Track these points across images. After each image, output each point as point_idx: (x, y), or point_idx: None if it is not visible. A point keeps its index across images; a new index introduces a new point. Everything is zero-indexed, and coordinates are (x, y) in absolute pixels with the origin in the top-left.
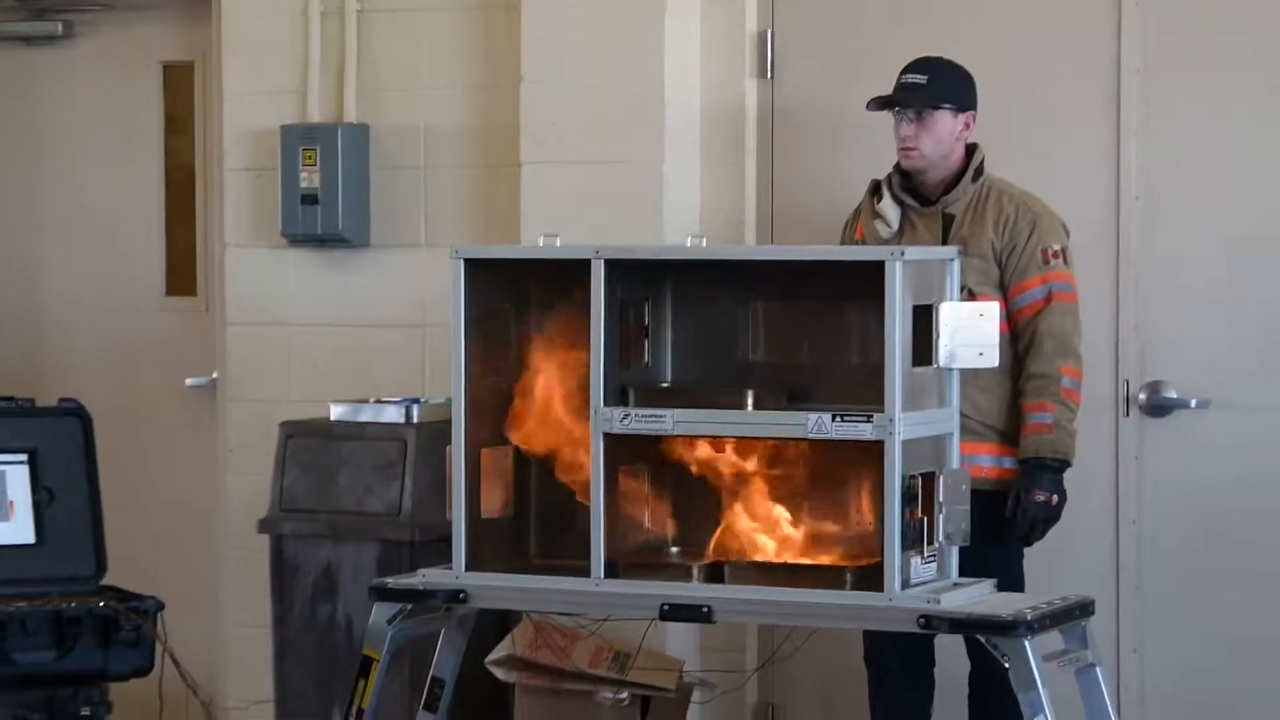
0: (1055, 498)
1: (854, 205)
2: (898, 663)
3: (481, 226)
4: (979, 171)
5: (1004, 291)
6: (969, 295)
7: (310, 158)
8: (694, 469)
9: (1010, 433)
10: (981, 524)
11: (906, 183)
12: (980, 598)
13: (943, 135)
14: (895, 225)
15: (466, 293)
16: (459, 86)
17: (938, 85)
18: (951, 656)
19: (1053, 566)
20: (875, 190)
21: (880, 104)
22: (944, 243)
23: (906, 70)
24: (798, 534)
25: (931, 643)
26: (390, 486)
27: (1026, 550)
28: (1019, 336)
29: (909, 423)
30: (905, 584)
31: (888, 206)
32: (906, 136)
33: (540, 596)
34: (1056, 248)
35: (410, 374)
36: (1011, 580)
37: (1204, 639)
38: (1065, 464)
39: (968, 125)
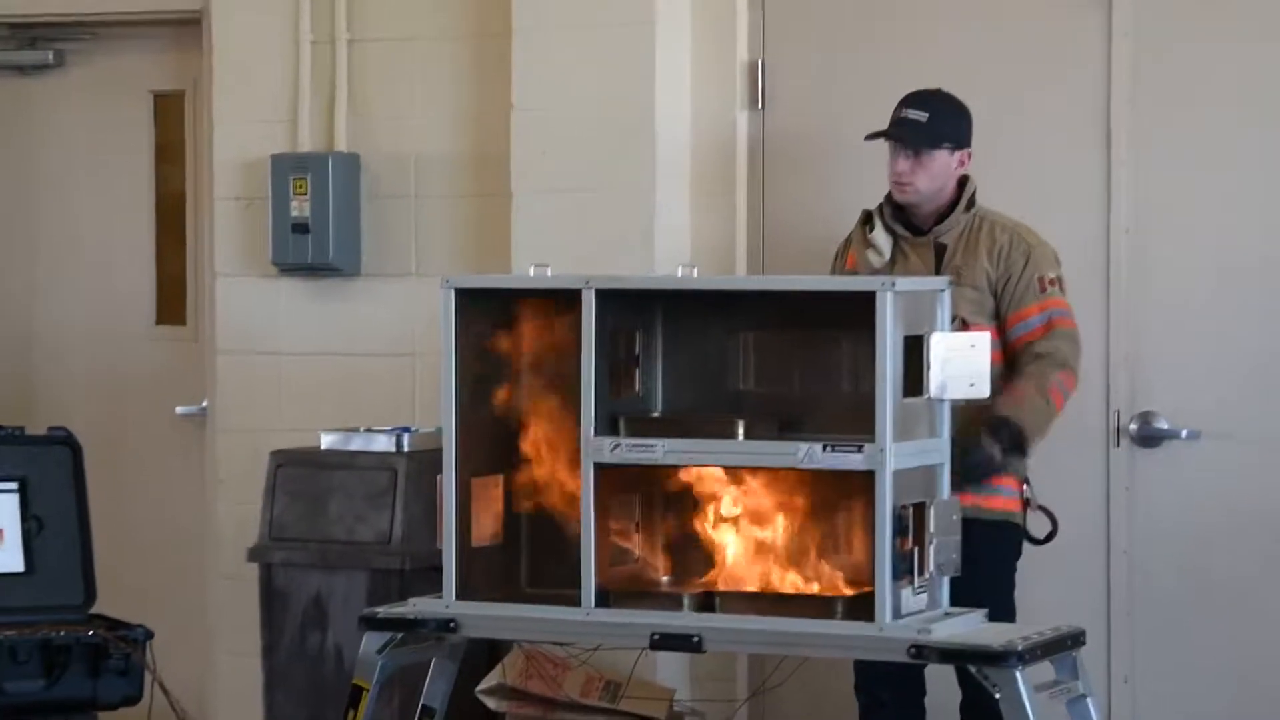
0: (1000, 454)
1: (845, 235)
2: (889, 693)
3: (472, 255)
4: (971, 202)
5: (1000, 321)
6: (963, 326)
7: (301, 186)
8: (685, 499)
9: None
10: (977, 554)
11: (898, 213)
12: (971, 628)
13: (938, 173)
14: (888, 255)
15: (457, 322)
16: (450, 115)
17: (937, 124)
18: (943, 687)
19: (1044, 596)
20: (867, 220)
21: (878, 137)
22: (936, 273)
23: (906, 104)
24: (788, 564)
25: (922, 673)
26: (380, 515)
27: (1018, 581)
28: (1016, 363)
29: (900, 453)
30: (896, 614)
31: (880, 236)
32: (902, 172)
33: (531, 625)
34: (1052, 275)
35: (400, 403)
36: (1003, 610)
37: (1195, 669)
38: (1022, 436)
39: (963, 162)
